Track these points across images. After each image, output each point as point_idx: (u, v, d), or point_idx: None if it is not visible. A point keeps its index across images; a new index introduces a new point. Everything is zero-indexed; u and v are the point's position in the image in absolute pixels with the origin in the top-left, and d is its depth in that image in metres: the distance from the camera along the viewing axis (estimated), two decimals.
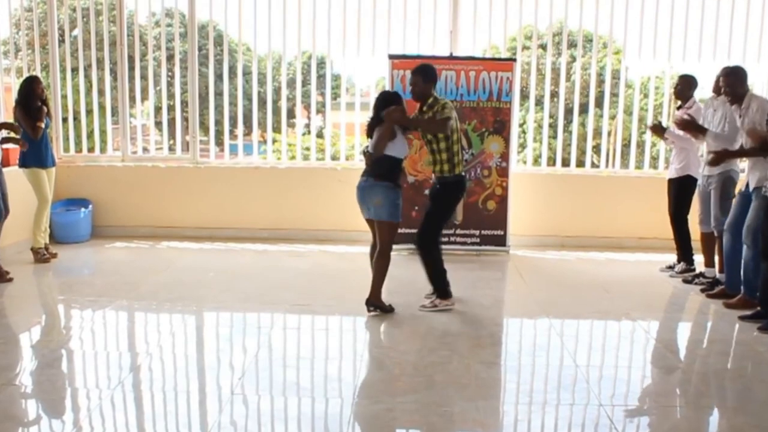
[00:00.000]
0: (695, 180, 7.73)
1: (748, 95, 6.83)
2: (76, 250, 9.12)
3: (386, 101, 6.48)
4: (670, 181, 8.11)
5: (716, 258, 7.55)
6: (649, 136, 10.18)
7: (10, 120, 8.26)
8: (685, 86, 7.94)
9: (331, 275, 7.69)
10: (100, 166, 10.04)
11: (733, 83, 6.87)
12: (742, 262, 6.75)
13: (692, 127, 7.41)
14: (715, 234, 7.41)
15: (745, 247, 6.65)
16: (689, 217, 8.05)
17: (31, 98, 8.11)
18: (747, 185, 6.73)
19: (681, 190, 7.91)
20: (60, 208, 9.44)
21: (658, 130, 8.09)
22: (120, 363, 5.41)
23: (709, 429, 4.59)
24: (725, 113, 7.16)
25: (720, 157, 6.93)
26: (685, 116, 7.58)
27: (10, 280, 7.56)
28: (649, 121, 10.18)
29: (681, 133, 7.66)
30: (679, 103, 8.07)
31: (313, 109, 10.76)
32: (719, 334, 6.39)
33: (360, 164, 9.68)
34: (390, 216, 6.42)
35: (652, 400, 5.02)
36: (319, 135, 12.45)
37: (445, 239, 9.02)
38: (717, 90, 7.43)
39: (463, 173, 6.75)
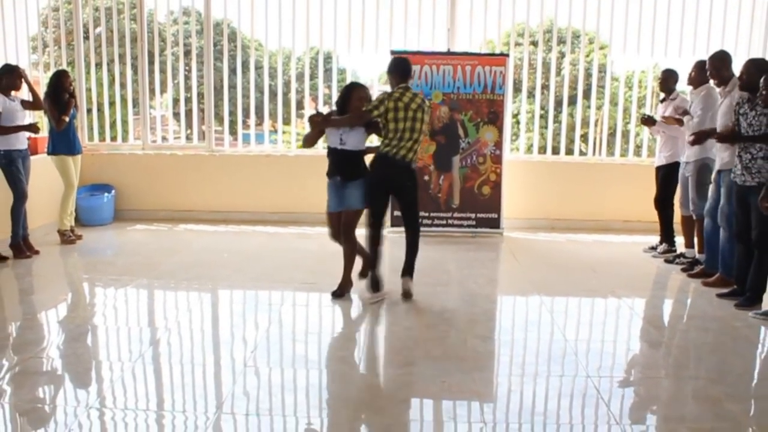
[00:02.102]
0: None
1: (733, 79, 6.67)
2: (99, 232, 9.10)
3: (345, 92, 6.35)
4: (659, 169, 8.05)
5: (695, 239, 7.53)
6: (633, 126, 10.13)
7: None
8: (669, 79, 7.90)
9: (337, 256, 7.60)
10: (122, 154, 10.01)
11: (718, 66, 6.78)
12: (720, 243, 6.71)
13: (673, 121, 7.40)
14: (694, 217, 7.38)
15: (721, 229, 6.61)
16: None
17: (59, 91, 8.07)
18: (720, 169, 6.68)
19: (669, 175, 7.84)
20: (85, 193, 9.40)
21: (648, 121, 8.03)
22: (141, 337, 5.40)
23: (689, 399, 4.55)
24: (700, 104, 7.11)
25: (700, 138, 6.90)
26: (663, 118, 7.55)
27: (29, 256, 7.62)
28: (633, 113, 10.16)
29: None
30: (663, 95, 8.03)
31: (320, 101, 10.64)
32: (698, 311, 6.35)
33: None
34: None
35: (636, 371, 5.01)
36: None
37: (443, 222, 9.05)
38: (693, 82, 7.38)
39: (389, 152, 6.14)
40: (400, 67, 6.38)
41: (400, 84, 6.26)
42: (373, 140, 6.69)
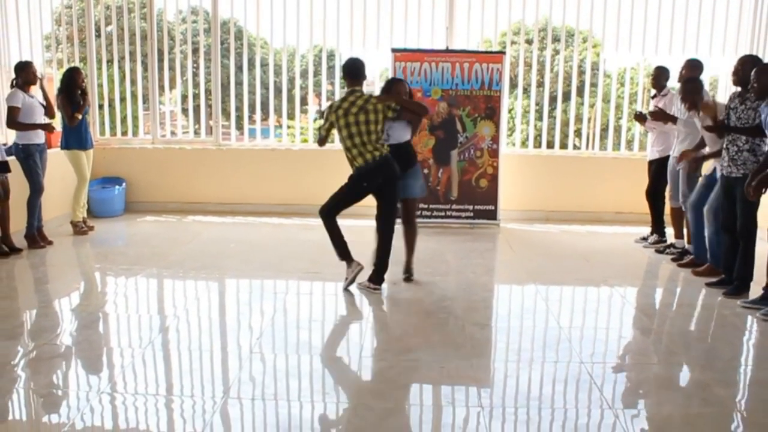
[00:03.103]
0: None
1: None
2: (111, 223, 9.08)
3: (387, 86, 6.44)
4: (651, 162, 8.02)
5: (685, 230, 7.51)
6: (625, 122, 10.10)
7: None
8: (661, 76, 7.88)
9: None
10: (133, 148, 9.99)
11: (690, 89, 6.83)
12: (706, 236, 6.70)
13: (662, 117, 7.35)
14: (684, 208, 7.36)
15: (706, 222, 6.59)
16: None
17: (72, 87, 8.05)
18: (713, 170, 6.64)
19: (661, 169, 7.81)
20: (97, 186, 9.40)
21: (641, 118, 8.02)
22: (150, 325, 5.39)
23: (679, 384, 4.55)
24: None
25: (693, 161, 6.91)
26: (655, 108, 7.53)
27: (43, 247, 7.63)
28: (625, 108, 10.13)
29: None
30: (654, 92, 8.01)
31: (323, 97, 10.63)
32: (688, 299, 6.34)
33: None
34: None
35: (628, 357, 4.99)
36: None
37: (442, 213, 9.04)
38: (681, 80, 7.38)
39: (365, 163, 5.96)
40: (349, 69, 6.10)
41: (351, 86, 6.06)
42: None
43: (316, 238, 8.25)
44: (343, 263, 6.27)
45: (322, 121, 6.16)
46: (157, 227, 8.99)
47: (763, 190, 5.53)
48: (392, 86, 6.36)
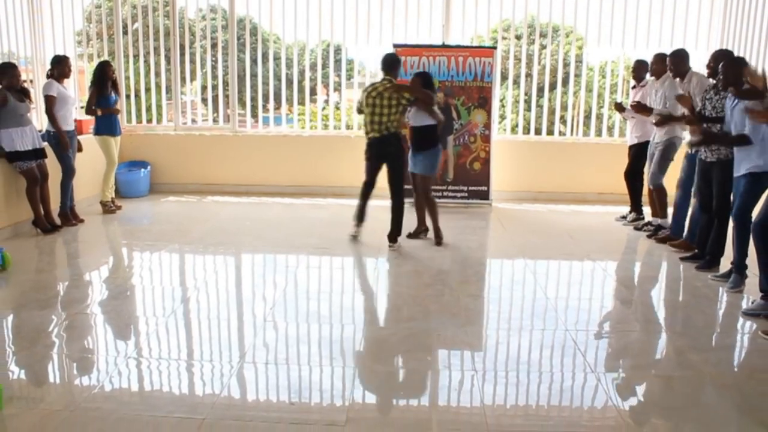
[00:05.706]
0: None
1: (690, 72, 6.71)
2: (137, 203, 9.03)
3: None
4: (631, 147, 7.95)
5: (658, 208, 7.46)
6: (606, 110, 10.01)
7: (85, 96, 8.16)
8: (640, 69, 7.81)
9: (346, 224, 7.55)
10: (157, 135, 9.92)
11: (677, 62, 6.77)
12: (689, 213, 6.65)
13: (642, 110, 7.27)
14: (651, 187, 7.31)
15: (693, 200, 6.53)
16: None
17: (104, 79, 7.96)
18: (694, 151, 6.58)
19: (640, 153, 7.75)
20: (124, 169, 9.33)
21: (619, 108, 7.96)
22: (173, 296, 5.35)
23: (656, 350, 4.51)
24: (664, 92, 7.02)
25: (664, 121, 6.86)
26: (634, 103, 7.45)
27: (75, 224, 7.61)
28: (606, 98, 10.05)
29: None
30: (633, 83, 7.93)
31: (331, 88, 10.54)
32: (664, 272, 6.29)
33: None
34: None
35: (609, 325, 4.94)
36: (336, 109, 12.26)
37: (439, 194, 8.99)
38: (655, 73, 7.30)
39: (367, 139, 6.67)
40: (382, 61, 6.70)
41: (384, 77, 6.62)
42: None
43: (325, 216, 8.25)
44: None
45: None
46: (179, 207, 8.94)
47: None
48: (412, 78, 6.81)
